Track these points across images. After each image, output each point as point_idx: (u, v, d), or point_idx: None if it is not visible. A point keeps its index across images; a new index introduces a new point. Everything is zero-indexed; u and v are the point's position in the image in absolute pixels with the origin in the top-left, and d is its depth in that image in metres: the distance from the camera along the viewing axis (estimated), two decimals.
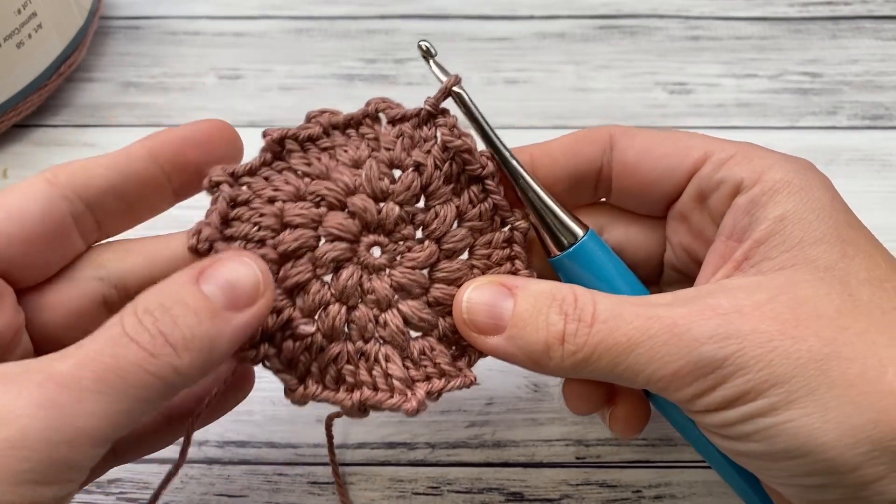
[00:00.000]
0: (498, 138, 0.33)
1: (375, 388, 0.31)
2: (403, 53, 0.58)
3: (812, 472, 0.29)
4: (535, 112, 0.54)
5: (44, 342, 0.32)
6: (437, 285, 0.32)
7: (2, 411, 0.24)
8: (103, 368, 0.25)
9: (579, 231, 0.33)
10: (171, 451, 0.40)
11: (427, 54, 0.33)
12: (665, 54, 0.57)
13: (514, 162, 0.33)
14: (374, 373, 0.31)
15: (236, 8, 0.61)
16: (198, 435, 0.40)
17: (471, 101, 0.33)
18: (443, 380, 0.32)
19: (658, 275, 0.36)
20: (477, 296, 0.32)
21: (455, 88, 0.33)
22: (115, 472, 0.39)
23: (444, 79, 0.33)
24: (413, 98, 0.55)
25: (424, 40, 0.34)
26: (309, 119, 0.32)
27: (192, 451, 0.40)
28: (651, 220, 0.36)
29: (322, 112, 0.33)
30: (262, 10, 0.61)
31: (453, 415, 0.41)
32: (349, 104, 0.54)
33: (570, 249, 0.33)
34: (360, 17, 0.60)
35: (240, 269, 0.28)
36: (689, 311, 0.29)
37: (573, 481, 0.39)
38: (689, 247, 0.34)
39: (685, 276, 0.35)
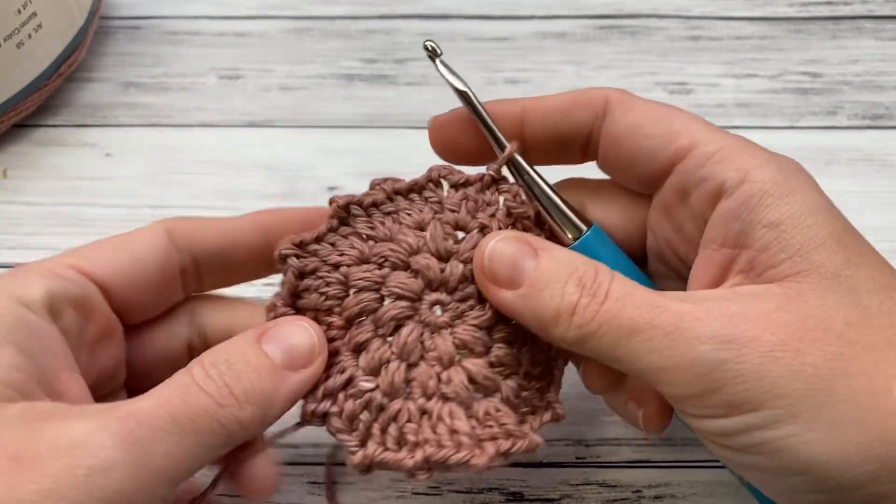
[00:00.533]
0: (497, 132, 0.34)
1: (440, 446, 0.30)
2: (404, 53, 0.58)
3: (815, 489, 0.28)
4: None
5: (134, 377, 0.34)
6: (498, 345, 0.32)
7: (87, 441, 0.26)
8: (176, 411, 0.27)
9: (582, 226, 0.33)
10: None
11: (433, 54, 0.34)
12: (665, 54, 0.57)
13: (519, 158, 0.34)
14: (439, 430, 0.31)
15: (236, 8, 0.61)
16: None
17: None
18: (510, 440, 0.31)
19: (640, 263, 0.36)
20: (502, 246, 0.31)
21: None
22: None
23: (451, 80, 0.34)
24: (413, 98, 0.55)
25: (430, 40, 0.34)
26: (373, 186, 0.34)
27: None
28: (632, 203, 0.35)
29: (385, 180, 0.34)
30: (263, 10, 0.61)
31: None
32: (349, 104, 0.55)
33: (574, 244, 0.33)
34: (361, 17, 0.60)
35: (298, 331, 0.31)
36: (696, 308, 0.29)
37: (573, 481, 0.39)
38: (671, 241, 0.34)
39: (671, 270, 0.35)
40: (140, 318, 0.34)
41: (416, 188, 0.34)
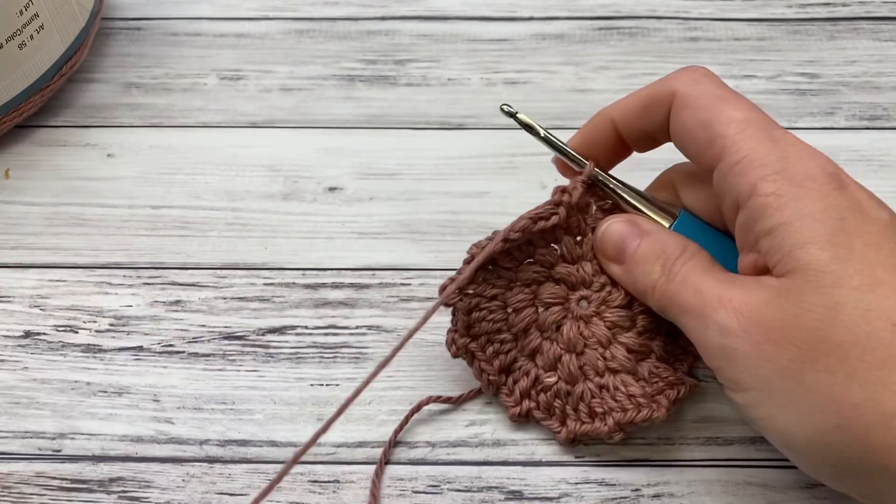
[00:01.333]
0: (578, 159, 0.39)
1: (624, 410, 0.37)
2: (403, 54, 0.58)
3: (800, 462, 0.33)
4: (535, 113, 0.54)
5: None
6: (640, 316, 0.38)
7: None
8: None
9: (664, 223, 0.38)
10: (174, 449, 0.40)
11: (511, 115, 0.39)
12: (664, 55, 0.58)
13: (599, 174, 0.39)
14: (618, 398, 0.38)
15: (237, 9, 0.61)
16: (198, 433, 0.41)
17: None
18: (675, 389, 0.38)
19: None
20: (613, 228, 0.38)
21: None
22: (116, 471, 0.40)
23: (531, 133, 0.39)
24: (413, 98, 0.55)
25: (506, 104, 0.39)
26: (512, 233, 0.37)
27: (193, 450, 0.40)
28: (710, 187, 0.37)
29: (516, 228, 0.37)
30: (263, 12, 0.61)
31: (453, 413, 0.41)
32: (350, 105, 0.55)
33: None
34: (361, 19, 0.60)
35: None
36: (718, 296, 0.33)
37: (572, 480, 0.39)
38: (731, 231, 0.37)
39: None
40: None
41: (545, 229, 0.38)
